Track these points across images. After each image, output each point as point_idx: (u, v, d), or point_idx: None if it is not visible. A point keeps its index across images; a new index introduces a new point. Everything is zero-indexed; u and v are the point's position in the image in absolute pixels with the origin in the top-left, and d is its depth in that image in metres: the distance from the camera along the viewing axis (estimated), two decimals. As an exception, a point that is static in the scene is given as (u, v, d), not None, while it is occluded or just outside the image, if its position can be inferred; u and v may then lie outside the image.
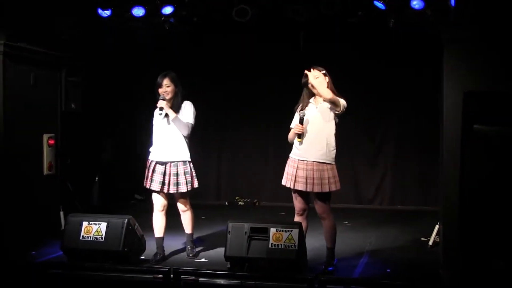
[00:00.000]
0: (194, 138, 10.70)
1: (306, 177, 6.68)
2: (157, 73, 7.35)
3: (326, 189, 6.67)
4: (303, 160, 6.73)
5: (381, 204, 11.26)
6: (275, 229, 6.58)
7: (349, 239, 8.59)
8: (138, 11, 8.87)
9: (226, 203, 11.52)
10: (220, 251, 7.28)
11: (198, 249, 7.67)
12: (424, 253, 7.88)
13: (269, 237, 6.54)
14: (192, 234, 7.53)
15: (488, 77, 6.49)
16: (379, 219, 10.04)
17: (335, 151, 6.78)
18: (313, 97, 6.86)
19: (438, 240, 7.89)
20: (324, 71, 6.82)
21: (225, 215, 9.19)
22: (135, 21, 9.08)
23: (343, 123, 10.27)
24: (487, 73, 6.52)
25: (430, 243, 8.05)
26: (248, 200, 11.43)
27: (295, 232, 6.49)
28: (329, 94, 6.64)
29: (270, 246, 6.51)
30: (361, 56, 10.77)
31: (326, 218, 6.83)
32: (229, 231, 6.73)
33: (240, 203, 11.45)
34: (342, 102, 6.74)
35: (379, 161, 11.32)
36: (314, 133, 6.73)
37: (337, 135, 6.83)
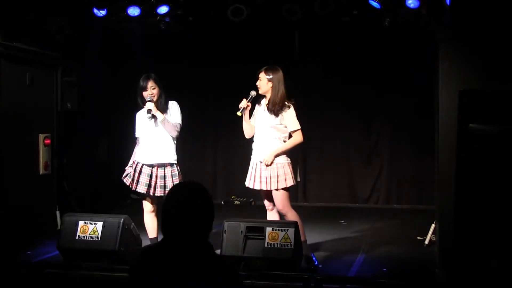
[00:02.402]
0: (189, 138, 10.75)
1: (260, 176, 6.89)
2: (152, 72, 7.33)
3: (274, 187, 6.82)
4: (256, 161, 7.00)
5: (377, 203, 11.26)
6: (271, 228, 6.59)
7: (345, 238, 8.61)
8: (134, 11, 8.87)
9: (222, 202, 11.52)
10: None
11: None
12: (420, 252, 7.88)
13: (265, 236, 6.56)
14: None
15: (483, 76, 6.50)
16: (374, 218, 10.04)
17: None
18: (264, 98, 7.09)
19: (434, 239, 7.90)
20: (270, 76, 6.96)
21: (221, 214, 9.18)
22: (130, 20, 9.08)
23: (338, 122, 10.33)
24: (482, 72, 6.53)
25: (426, 242, 8.05)
26: (244, 199, 11.42)
27: (291, 232, 6.50)
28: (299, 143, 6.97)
29: (266, 245, 6.52)
30: (356, 55, 10.77)
31: (287, 213, 6.94)
32: (225, 230, 6.75)
33: (236, 202, 11.45)
34: (298, 135, 6.92)
35: (374, 159, 11.33)
36: (260, 136, 6.99)
37: (287, 137, 6.97)
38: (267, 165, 6.80)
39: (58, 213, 8.87)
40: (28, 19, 8.33)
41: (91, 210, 7.99)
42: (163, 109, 7.13)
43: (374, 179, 11.29)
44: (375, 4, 8.18)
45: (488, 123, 5.34)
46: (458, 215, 5.40)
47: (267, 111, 6.95)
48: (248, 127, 7.17)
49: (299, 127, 6.87)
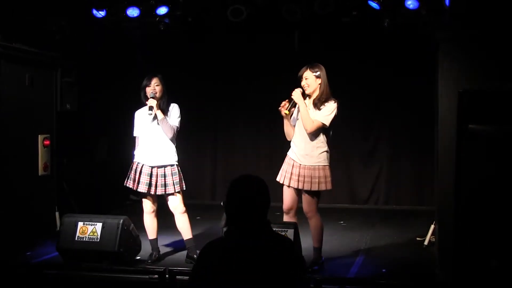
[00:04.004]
0: (189, 138, 10.75)
1: (299, 175, 6.78)
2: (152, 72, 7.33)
3: (316, 188, 6.76)
4: (297, 162, 6.84)
5: (376, 203, 11.25)
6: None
7: (344, 239, 8.61)
8: (133, 12, 8.86)
9: (221, 203, 11.46)
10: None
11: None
12: (419, 252, 7.89)
13: (264, 237, 6.54)
14: (193, 239, 7.30)
15: (483, 76, 6.51)
16: (374, 219, 10.05)
17: (325, 153, 6.86)
18: (308, 97, 6.92)
19: (433, 239, 7.90)
20: (318, 73, 6.82)
21: (220, 215, 9.17)
22: (130, 21, 9.07)
23: (338, 122, 10.28)
24: (482, 72, 6.54)
25: (426, 242, 8.05)
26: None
27: (290, 232, 6.49)
28: (308, 128, 6.74)
29: (265, 246, 6.50)
30: (355, 56, 10.76)
31: (312, 217, 6.89)
32: (225, 231, 6.73)
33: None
34: (316, 124, 6.74)
35: (374, 160, 11.32)
36: (302, 138, 6.85)
37: (328, 137, 6.91)
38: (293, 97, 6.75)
39: (57, 213, 8.87)
40: (28, 19, 8.32)
41: (91, 211, 7.98)
42: (164, 109, 7.14)
43: (374, 180, 11.29)
44: (374, 4, 8.18)
45: (488, 123, 5.34)
46: (458, 215, 5.40)
47: (312, 109, 6.79)
48: (291, 129, 6.97)
49: (325, 123, 6.72)
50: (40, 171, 8.71)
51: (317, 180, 6.75)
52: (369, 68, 10.82)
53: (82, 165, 10.06)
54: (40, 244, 8.10)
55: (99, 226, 7.01)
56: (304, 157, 6.82)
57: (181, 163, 7.30)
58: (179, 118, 7.22)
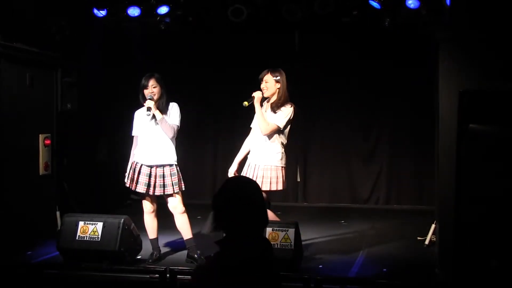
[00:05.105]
0: (189, 137, 10.74)
1: (253, 175, 6.93)
2: (152, 72, 7.33)
3: (267, 188, 6.88)
4: (253, 162, 7.12)
5: (377, 203, 11.26)
6: (271, 228, 6.58)
7: (344, 238, 8.61)
8: (134, 11, 8.87)
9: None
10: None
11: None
12: (420, 252, 7.89)
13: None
14: (193, 238, 7.26)
15: (484, 76, 6.50)
16: (375, 218, 10.04)
17: (280, 154, 7.02)
18: (266, 100, 7.18)
19: (434, 239, 7.90)
20: (278, 78, 7.04)
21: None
22: (130, 21, 9.08)
23: (338, 122, 10.31)
24: (483, 72, 6.53)
25: (426, 242, 8.05)
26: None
27: (291, 232, 6.50)
28: (263, 130, 7.00)
29: (266, 246, 6.50)
30: (356, 55, 10.76)
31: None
32: (225, 231, 6.74)
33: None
34: (271, 126, 6.98)
35: (374, 160, 11.32)
36: (258, 139, 7.10)
37: (284, 139, 7.07)
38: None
39: (58, 213, 8.86)
40: (28, 19, 8.33)
41: (91, 211, 7.98)
42: (163, 109, 7.11)
43: (374, 180, 11.29)
44: (375, 4, 8.19)
45: (488, 123, 5.34)
46: (458, 215, 5.40)
47: (269, 111, 7.00)
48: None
49: (280, 126, 6.94)
50: (41, 171, 8.71)
51: (269, 180, 6.92)
52: (369, 68, 10.82)
53: (82, 165, 10.05)
54: (40, 244, 8.09)
55: (100, 225, 7.02)
56: (259, 157, 7.02)
57: (181, 163, 7.29)
58: (179, 117, 7.21)
